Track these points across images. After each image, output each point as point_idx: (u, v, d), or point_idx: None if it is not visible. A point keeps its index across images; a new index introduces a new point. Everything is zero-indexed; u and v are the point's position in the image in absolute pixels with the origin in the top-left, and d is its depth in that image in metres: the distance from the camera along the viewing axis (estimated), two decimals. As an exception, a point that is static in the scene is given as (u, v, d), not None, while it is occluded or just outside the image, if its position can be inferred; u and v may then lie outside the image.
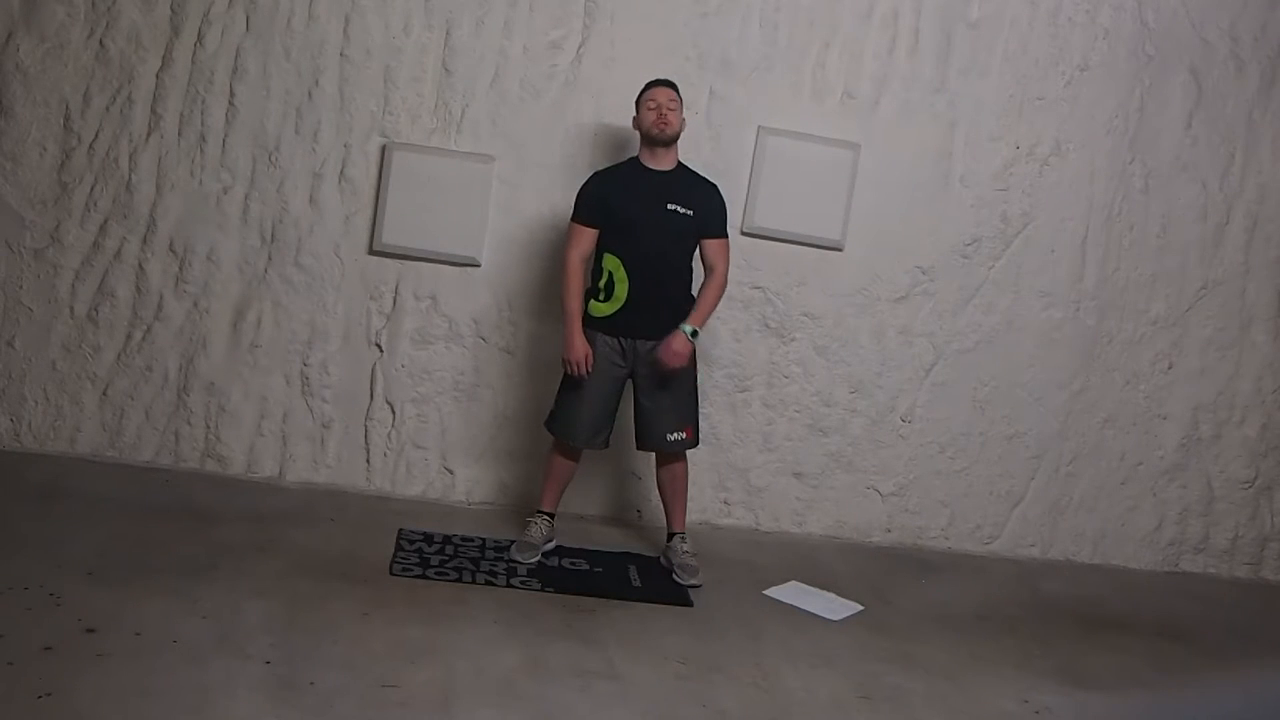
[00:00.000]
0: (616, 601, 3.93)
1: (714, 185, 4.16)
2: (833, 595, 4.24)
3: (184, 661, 3.08)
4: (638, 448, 4.27)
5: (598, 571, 4.18)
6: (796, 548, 4.76)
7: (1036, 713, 3.52)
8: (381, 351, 4.67)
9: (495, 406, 4.71)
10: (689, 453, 4.31)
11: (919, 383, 4.95)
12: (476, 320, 4.68)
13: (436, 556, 4.10)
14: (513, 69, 4.60)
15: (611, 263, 4.04)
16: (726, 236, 4.15)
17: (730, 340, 4.80)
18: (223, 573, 3.69)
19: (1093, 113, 4.93)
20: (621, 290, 4.03)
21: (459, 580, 3.92)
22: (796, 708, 3.34)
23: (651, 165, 4.08)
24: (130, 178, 4.50)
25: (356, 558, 3.99)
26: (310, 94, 4.52)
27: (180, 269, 4.55)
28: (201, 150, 4.52)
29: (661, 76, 4.16)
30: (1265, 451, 5.20)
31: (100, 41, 4.45)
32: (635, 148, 4.15)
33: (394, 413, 4.68)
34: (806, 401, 4.87)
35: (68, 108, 4.47)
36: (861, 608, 4.15)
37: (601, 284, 4.06)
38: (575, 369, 4.03)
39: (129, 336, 4.57)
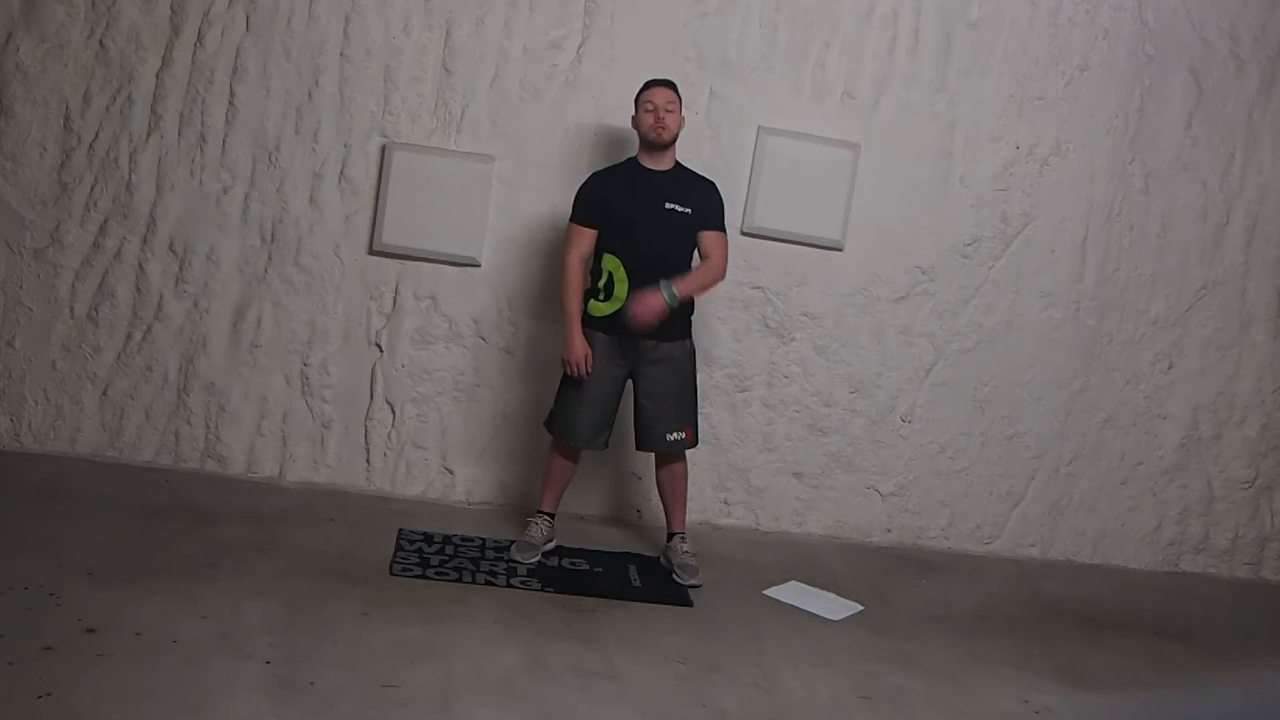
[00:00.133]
0: (616, 601, 3.93)
1: (712, 183, 4.16)
2: (833, 595, 4.24)
3: (184, 661, 3.08)
4: (637, 448, 4.27)
5: (598, 571, 4.18)
6: (796, 548, 4.76)
7: (1036, 713, 3.52)
8: (381, 351, 4.67)
9: (495, 406, 4.71)
10: (689, 453, 4.31)
11: (919, 383, 4.95)
12: (476, 320, 4.68)
13: (436, 556, 4.10)
14: (513, 69, 4.60)
15: (611, 263, 4.04)
16: (724, 231, 4.14)
17: (730, 340, 4.80)
18: (223, 573, 3.69)
19: (1093, 113, 4.93)
20: (621, 290, 4.03)
21: (459, 580, 3.92)
22: (796, 708, 3.34)
23: (650, 165, 4.08)
24: (130, 178, 4.50)
25: (356, 558, 3.99)
26: (310, 94, 4.52)
27: (180, 269, 4.55)
28: (201, 150, 4.52)
29: (661, 76, 4.15)
30: (1265, 451, 5.20)
31: (100, 41, 4.45)
32: (634, 147, 4.15)
33: (394, 413, 4.69)
34: (806, 401, 4.87)
35: (68, 108, 4.47)
36: (861, 608, 4.15)
37: (601, 284, 4.06)
38: (575, 369, 4.03)
39: (129, 336, 4.57)
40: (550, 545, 4.28)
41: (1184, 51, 4.97)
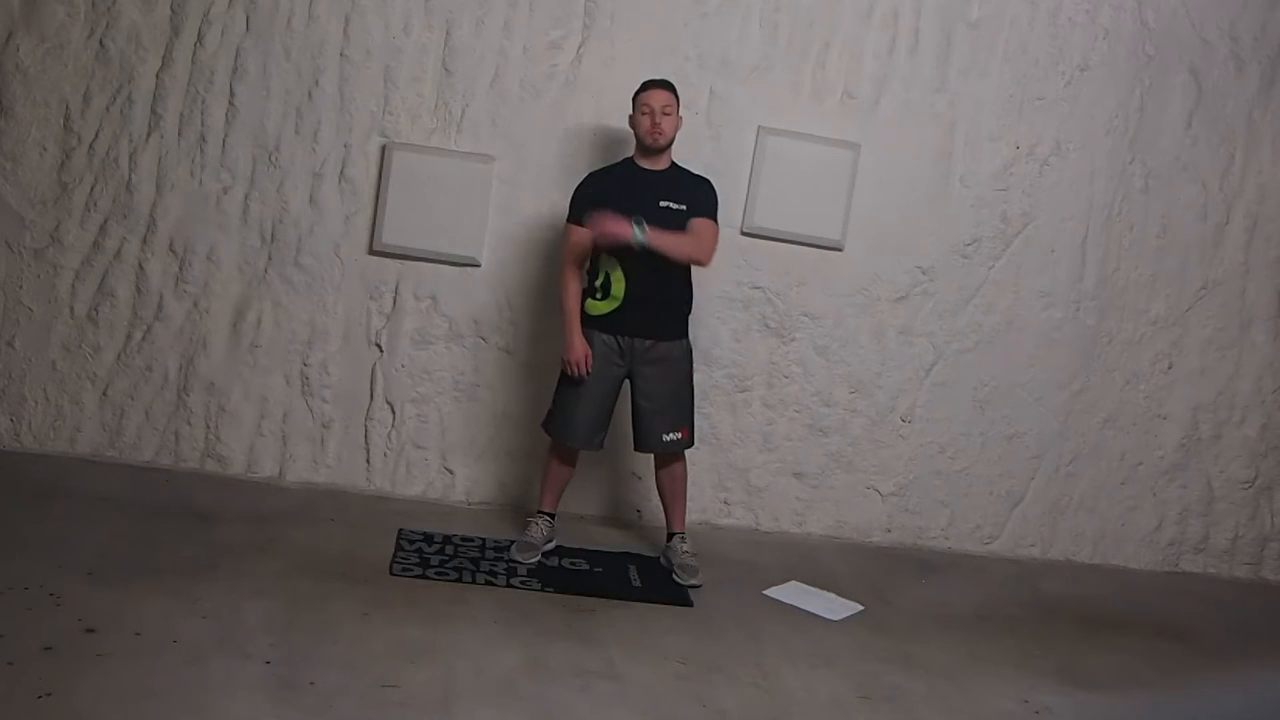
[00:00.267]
0: (616, 601, 3.93)
1: (708, 181, 4.16)
2: (833, 595, 4.24)
3: (184, 661, 3.08)
4: (635, 449, 4.27)
5: (598, 571, 4.18)
6: (796, 548, 4.76)
7: (1036, 713, 3.52)
8: (381, 351, 4.67)
9: (495, 406, 4.71)
10: (688, 453, 4.31)
11: (919, 383, 4.95)
12: (476, 320, 4.68)
13: (436, 556, 4.10)
14: (513, 69, 4.60)
15: (608, 262, 4.04)
16: (714, 221, 4.10)
17: (730, 340, 4.80)
18: (223, 573, 3.69)
19: (1093, 113, 4.93)
20: (618, 289, 4.03)
21: (459, 580, 3.92)
22: (796, 708, 3.34)
23: (645, 165, 4.08)
24: (130, 178, 4.50)
25: (356, 558, 3.99)
26: (310, 94, 4.53)
27: (180, 269, 4.55)
28: (201, 150, 4.52)
29: (659, 77, 4.15)
30: (1265, 451, 5.20)
31: (100, 41, 4.45)
32: (633, 147, 4.15)
33: (394, 413, 4.69)
34: (806, 401, 4.87)
35: (68, 108, 4.47)
36: (861, 608, 4.15)
37: (598, 283, 4.06)
38: (575, 370, 4.03)
39: (129, 336, 4.57)
40: (550, 545, 4.28)
41: (1184, 51, 4.97)
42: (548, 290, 4.60)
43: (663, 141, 4.03)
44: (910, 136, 4.82)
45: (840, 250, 4.81)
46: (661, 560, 4.31)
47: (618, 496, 4.82)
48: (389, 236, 4.57)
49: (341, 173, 4.57)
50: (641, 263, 4.00)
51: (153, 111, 4.49)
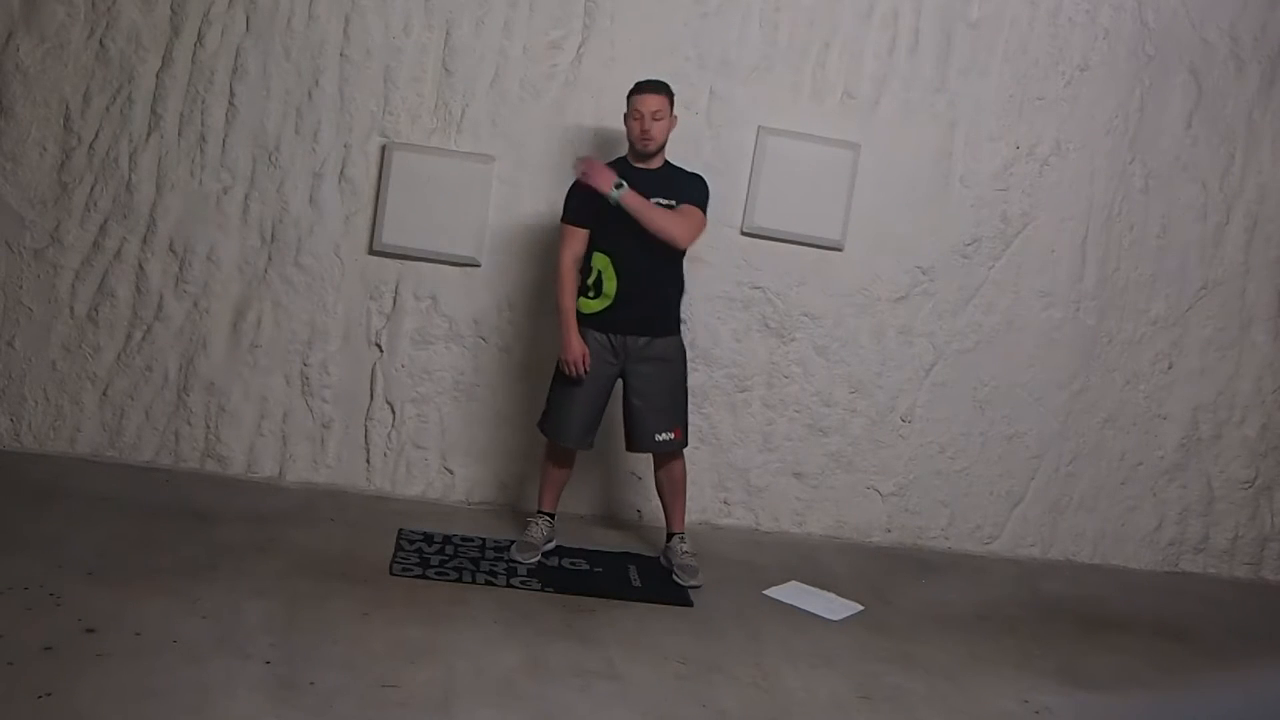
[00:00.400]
0: (616, 601, 3.93)
1: (700, 176, 4.15)
2: (833, 595, 4.24)
3: (184, 661, 3.08)
4: (628, 448, 4.26)
5: (598, 571, 4.18)
6: (796, 548, 4.76)
7: (1036, 713, 3.52)
8: (381, 351, 4.67)
9: (495, 406, 4.71)
10: (687, 453, 4.31)
11: (919, 383, 4.95)
12: (476, 320, 4.69)
13: (436, 556, 4.10)
14: (513, 69, 4.60)
15: (600, 261, 4.04)
16: (701, 209, 4.07)
17: (730, 340, 4.80)
18: (223, 573, 3.69)
19: (1093, 113, 4.93)
20: (610, 287, 4.03)
21: (459, 580, 3.92)
22: (796, 708, 3.34)
23: (638, 165, 4.08)
24: (130, 178, 4.50)
25: (356, 558, 3.99)
26: (310, 94, 4.53)
27: (180, 269, 4.55)
28: (201, 150, 4.52)
29: (654, 77, 4.11)
30: (1265, 451, 5.20)
31: (100, 41, 4.45)
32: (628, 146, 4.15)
33: (394, 413, 4.69)
34: (806, 401, 4.87)
35: (68, 108, 4.47)
36: (861, 608, 4.15)
37: (590, 281, 4.06)
38: (573, 369, 4.03)
39: (129, 336, 4.57)
40: (550, 545, 4.28)
41: (1184, 51, 4.97)
42: (547, 290, 4.58)
43: (652, 147, 4.02)
44: (910, 136, 4.82)
45: (840, 250, 4.81)
46: (661, 560, 4.31)
47: (618, 496, 4.82)
48: (389, 236, 4.57)
49: (341, 173, 4.57)
50: (633, 261, 4.00)
51: (153, 111, 4.49)
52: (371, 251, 4.61)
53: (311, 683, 3.06)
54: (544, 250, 4.63)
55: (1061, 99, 4.90)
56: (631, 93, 4.05)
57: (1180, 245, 5.07)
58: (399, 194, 4.53)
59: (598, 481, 4.78)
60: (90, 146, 4.49)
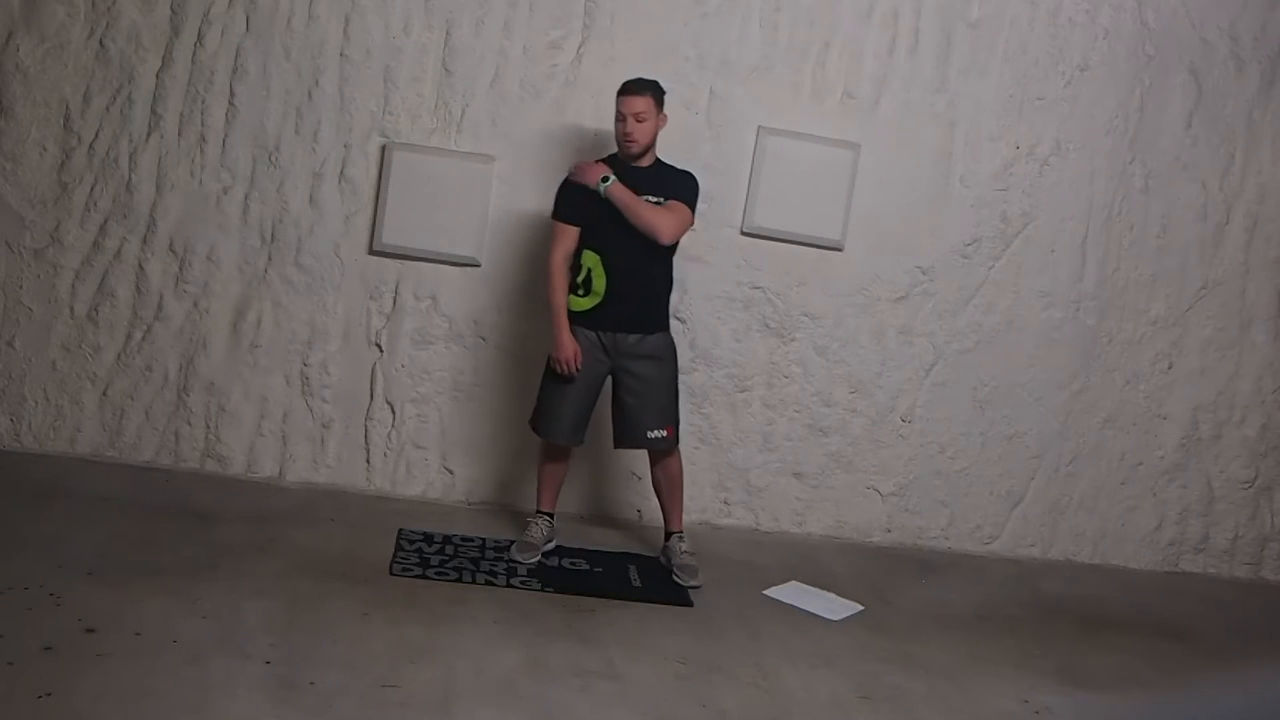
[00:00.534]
0: (616, 601, 3.93)
1: (690, 174, 4.15)
2: (833, 595, 4.24)
3: (184, 661, 3.08)
4: (616, 445, 4.25)
5: (598, 571, 4.18)
6: (796, 548, 4.76)
7: (1036, 713, 3.52)
8: (381, 351, 4.67)
9: (495, 406, 4.71)
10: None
11: (919, 383, 4.95)
12: (476, 320, 4.69)
13: (436, 556, 4.10)
14: (513, 69, 4.60)
15: (590, 259, 4.04)
16: (688, 205, 4.07)
17: (730, 340, 4.80)
18: (223, 573, 3.69)
19: (1093, 113, 4.93)
20: (600, 285, 4.03)
21: (459, 580, 3.92)
22: (796, 708, 3.34)
23: (629, 163, 4.08)
24: (130, 178, 4.50)
25: (356, 558, 3.99)
26: (310, 94, 4.53)
27: (180, 269, 4.55)
28: (201, 150, 4.52)
29: (642, 77, 4.09)
30: (1265, 451, 5.20)
31: (100, 41, 4.45)
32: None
33: (394, 413, 4.69)
34: (806, 401, 4.87)
35: (68, 108, 4.47)
36: (861, 608, 4.15)
37: (580, 279, 4.07)
38: (565, 367, 4.03)
39: (129, 336, 4.57)
40: (550, 545, 4.28)
41: (1184, 51, 4.97)
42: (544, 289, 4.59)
43: (635, 149, 4.02)
44: (910, 136, 4.82)
45: (840, 250, 4.81)
46: (660, 559, 4.31)
47: (617, 496, 4.82)
48: (389, 236, 4.57)
49: (341, 173, 4.57)
50: (623, 259, 3.99)
51: (153, 111, 4.49)
52: (371, 251, 4.61)
53: (311, 683, 3.06)
54: (543, 250, 4.61)
55: (1061, 99, 4.90)
56: (618, 93, 4.03)
57: (1180, 245, 5.07)
58: (399, 194, 4.53)
59: (597, 482, 4.78)
60: (90, 146, 4.49)
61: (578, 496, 4.75)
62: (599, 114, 4.61)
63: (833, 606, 4.14)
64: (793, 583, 4.32)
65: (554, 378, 4.12)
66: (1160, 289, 5.08)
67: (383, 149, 4.55)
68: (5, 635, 3.07)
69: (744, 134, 4.71)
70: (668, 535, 4.29)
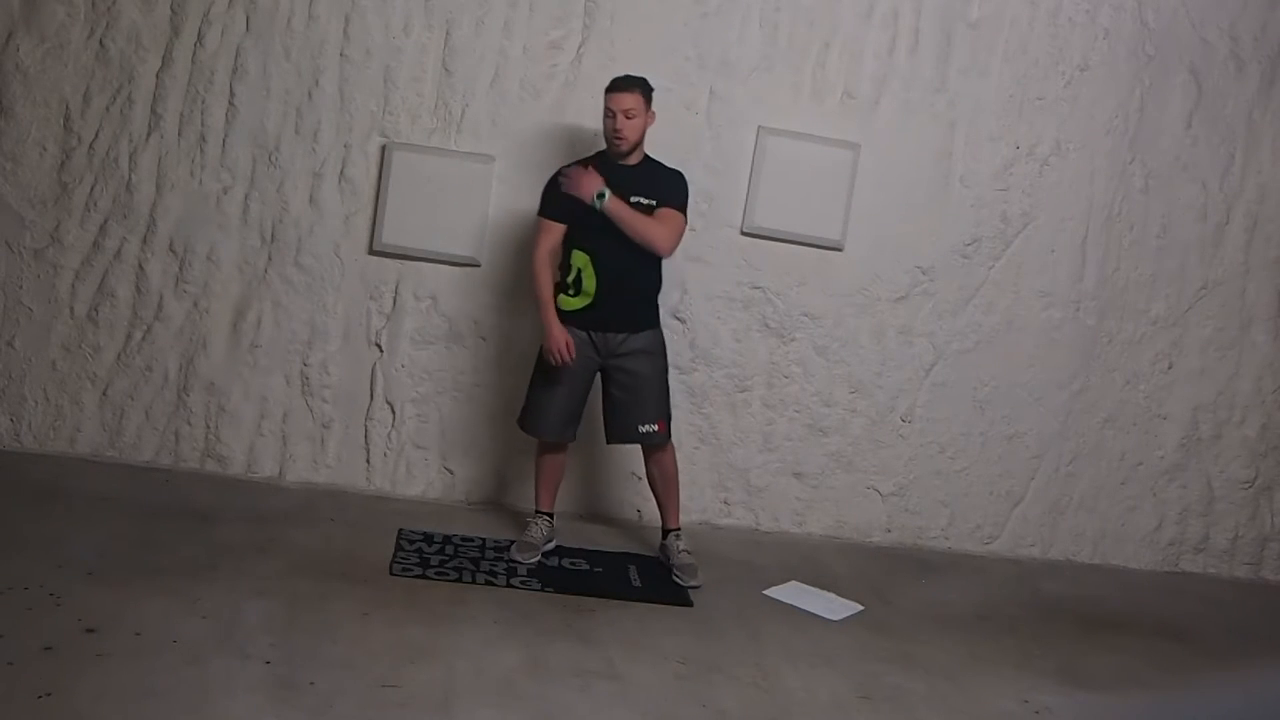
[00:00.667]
0: (616, 601, 3.93)
1: (679, 173, 4.15)
2: (833, 595, 4.24)
3: (184, 661, 3.08)
4: (608, 441, 4.26)
5: (598, 571, 4.18)
6: (796, 548, 4.76)
7: (1036, 713, 3.52)
8: (381, 351, 4.67)
9: (495, 406, 4.71)
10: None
11: (919, 383, 4.95)
12: (476, 320, 4.69)
13: (436, 556, 4.10)
14: (513, 69, 4.60)
15: (580, 259, 4.04)
16: (680, 210, 4.08)
17: (730, 340, 4.80)
18: (223, 573, 3.69)
19: (1093, 113, 4.93)
20: (590, 285, 4.03)
21: (459, 580, 3.92)
22: (796, 708, 3.34)
23: (618, 161, 4.08)
24: (130, 178, 4.50)
25: (356, 558, 3.99)
26: (310, 94, 4.53)
27: (180, 269, 4.55)
28: (201, 150, 4.52)
29: (632, 74, 4.08)
30: (1265, 451, 5.20)
31: (100, 41, 4.45)
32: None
33: (394, 413, 4.69)
34: (806, 401, 4.87)
35: (68, 108, 4.47)
36: (861, 608, 4.15)
37: (570, 279, 4.07)
38: (557, 357, 4.02)
39: (129, 336, 4.57)
40: (550, 545, 4.28)
41: (1184, 51, 4.97)
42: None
43: (624, 147, 4.01)
44: (910, 136, 4.82)
45: (840, 250, 4.81)
46: (659, 557, 4.31)
47: (618, 496, 4.82)
48: (389, 236, 4.57)
49: (341, 173, 4.57)
50: (612, 258, 3.99)
51: (153, 111, 4.49)
52: (371, 251, 4.61)
53: (311, 683, 3.06)
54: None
55: (1061, 99, 4.90)
56: (606, 90, 4.03)
57: (1180, 245, 5.07)
58: (399, 194, 4.53)
59: (597, 482, 4.78)
60: (90, 146, 4.49)
61: (577, 496, 4.75)
62: (599, 114, 4.58)
63: (833, 606, 4.14)
64: (793, 583, 4.32)
65: (542, 375, 4.14)
66: (1160, 289, 5.08)
67: (383, 149, 4.55)
68: (5, 635, 3.07)
69: (744, 134, 4.71)
70: (665, 533, 4.30)
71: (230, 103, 4.51)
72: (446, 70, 4.57)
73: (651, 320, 4.19)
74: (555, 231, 4.05)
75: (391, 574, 3.90)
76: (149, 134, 4.49)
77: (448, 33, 4.56)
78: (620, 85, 4.00)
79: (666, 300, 4.61)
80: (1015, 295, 4.97)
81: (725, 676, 3.47)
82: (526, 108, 4.62)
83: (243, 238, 4.57)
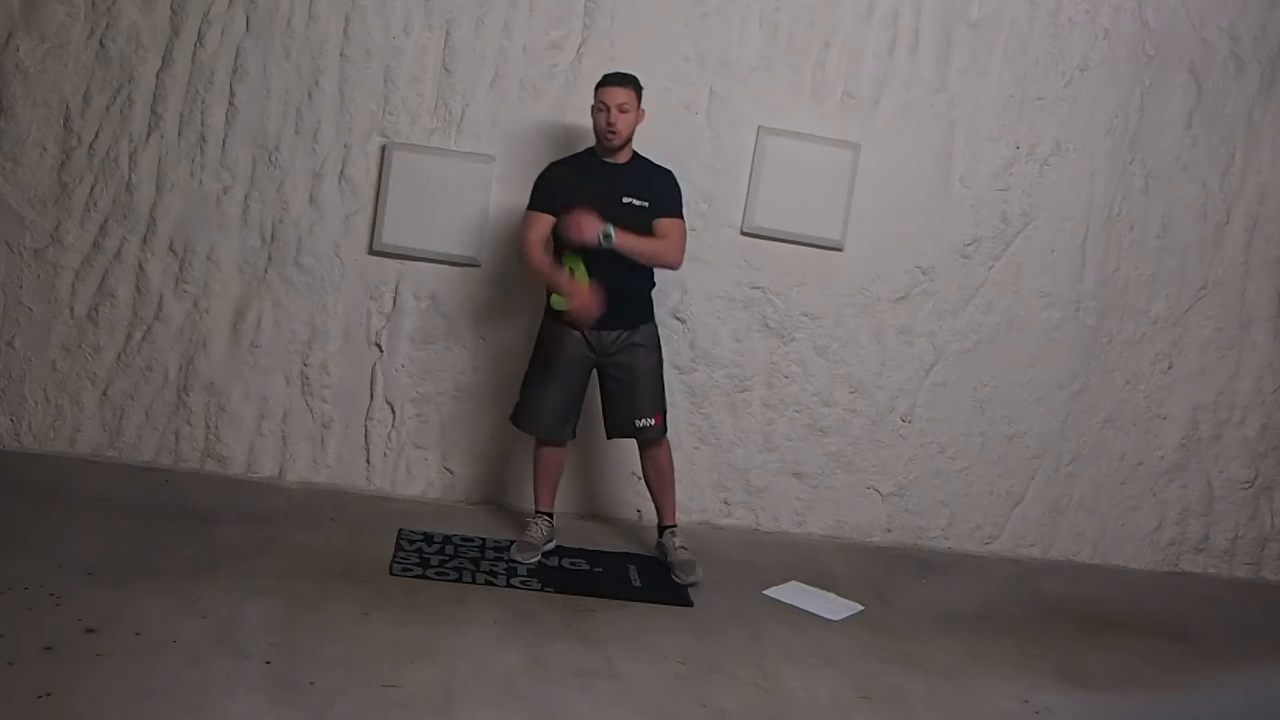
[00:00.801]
0: (616, 601, 3.93)
1: (669, 172, 4.16)
2: (833, 595, 4.24)
3: (184, 661, 3.08)
4: (607, 435, 4.28)
5: (598, 571, 4.18)
6: (796, 548, 4.76)
7: (1036, 713, 3.52)
8: (381, 351, 4.67)
9: (495, 406, 4.71)
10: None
11: (919, 383, 4.95)
12: (476, 320, 4.69)
13: (436, 556, 4.10)
14: (513, 69, 4.60)
15: (573, 260, 4.04)
16: (680, 217, 4.11)
17: (730, 340, 4.80)
18: (223, 573, 3.69)
19: (1093, 113, 4.93)
20: (583, 285, 4.03)
21: (459, 580, 3.92)
22: (796, 708, 3.34)
23: (607, 159, 4.08)
24: (130, 178, 4.50)
25: (356, 558, 3.99)
26: (310, 94, 4.53)
27: (180, 269, 4.55)
28: (201, 150, 4.52)
29: (624, 72, 4.09)
30: (1265, 451, 5.20)
31: (100, 41, 4.45)
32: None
33: (394, 413, 4.69)
34: (806, 401, 4.87)
35: (68, 108, 4.47)
36: (861, 608, 4.15)
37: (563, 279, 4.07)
38: (586, 310, 3.94)
39: (129, 336, 4.57)
40: (550, 545, 4.29)
41: (1184, 51, 4.97)
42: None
43: (617, 141, 4.01)
44: (910, 136, 4.82)
45: (840, 250, 4.81)
46: (656, 554, 4.31)
47: (618, 496, 4.82)
48: (389, 236, 4.57)
49: (341, 173, 4.57)
50: (605, 258, 3.98)
51: (153, 111, 4.49)
52: (371, 251, 4.61)
53: (311, 683, 3.06)
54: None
55: (1061, 99, 4.90)
56: (598, 85, 4.04)
57: (1180, 245, 5.07)
58: (399, 194, 4.53)
59: (597, 482, 4.78)
60: (90, 146, 4.49)
61: (577, 496, 4.75)
62: (598, 114, 4.61)
63: (833, 606, 4.14)
64: (793, 583, 4.32)
65: (537, 372, 4.15)
66: (1160, 289, 5.08)
67: (383, 149, 4.55)
68: (5, 635, 3.07)
69: (744, 134, 4.71)
70: (661, 530, 4.31)
71: (230, 103, 4.51)
72: (446, 70, 4.57)
73: (646, 316, 4.20)
74: (545, 222, 4.05)
75: (391, 574, 3.90)
76: (149, 134, 4.49)
77: (448, 33, 4.56)
78: (613, 80, 4.02)
79: (666, 300, 4.63)
80: (1015, 295, 4.97)
81: (725, 676, 3.47)
82: (526, 108, 4.62)
83: (243, 238, 4.57)
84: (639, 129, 4.08)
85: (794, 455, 4.89)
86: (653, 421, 4.18)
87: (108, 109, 4.48)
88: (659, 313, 4.37)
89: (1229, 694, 3.96)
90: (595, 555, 4.34)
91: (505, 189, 4.61)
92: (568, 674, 3.33)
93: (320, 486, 4.65)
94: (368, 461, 4.70)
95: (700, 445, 4.81)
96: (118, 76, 4.47)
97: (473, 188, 4.58)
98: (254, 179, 4.55)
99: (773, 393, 4.85)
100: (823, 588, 4.30)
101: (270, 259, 4.59)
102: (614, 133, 3.99)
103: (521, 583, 3.97)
